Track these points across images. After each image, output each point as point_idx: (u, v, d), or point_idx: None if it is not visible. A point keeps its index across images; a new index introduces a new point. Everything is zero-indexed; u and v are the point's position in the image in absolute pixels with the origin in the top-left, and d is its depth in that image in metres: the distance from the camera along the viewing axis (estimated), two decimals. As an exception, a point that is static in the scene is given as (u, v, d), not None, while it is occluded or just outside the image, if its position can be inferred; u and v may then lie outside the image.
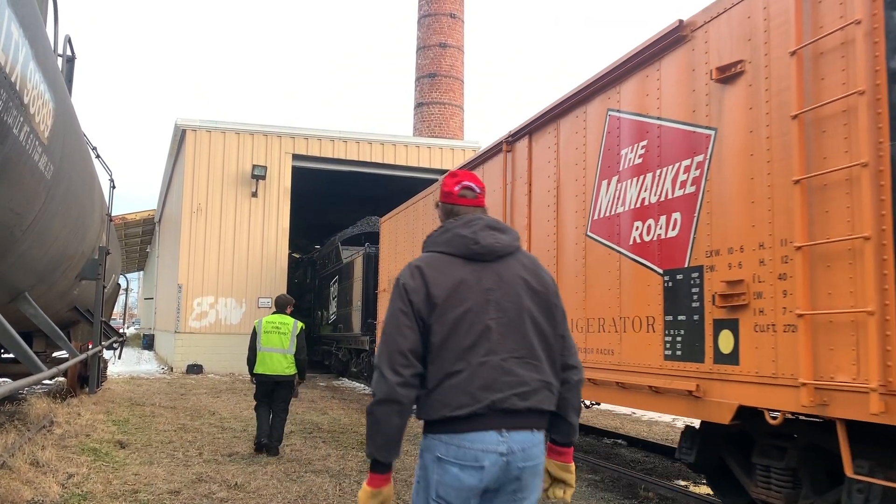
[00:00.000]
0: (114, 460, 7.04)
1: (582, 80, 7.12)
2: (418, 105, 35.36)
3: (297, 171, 21.58)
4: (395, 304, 2.37)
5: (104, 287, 11.21)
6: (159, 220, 32.76)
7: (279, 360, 7.58)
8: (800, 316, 4.24)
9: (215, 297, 20.15)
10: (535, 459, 2.34)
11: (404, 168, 22.77)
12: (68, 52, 8.60)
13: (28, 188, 5.37)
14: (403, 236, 13.35)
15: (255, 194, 20.65)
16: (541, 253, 7.73)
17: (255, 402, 7.90)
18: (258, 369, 7.62)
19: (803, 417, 4.64)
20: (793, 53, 4.41)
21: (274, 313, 7.91)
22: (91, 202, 9.12)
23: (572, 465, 2.54)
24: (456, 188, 2.58)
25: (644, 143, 6.03)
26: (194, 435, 8.72)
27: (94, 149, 10.18)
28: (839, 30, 4.14)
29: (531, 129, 8.11)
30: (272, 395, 7.71)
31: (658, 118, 5.85)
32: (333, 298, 20.95)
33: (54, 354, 12.42)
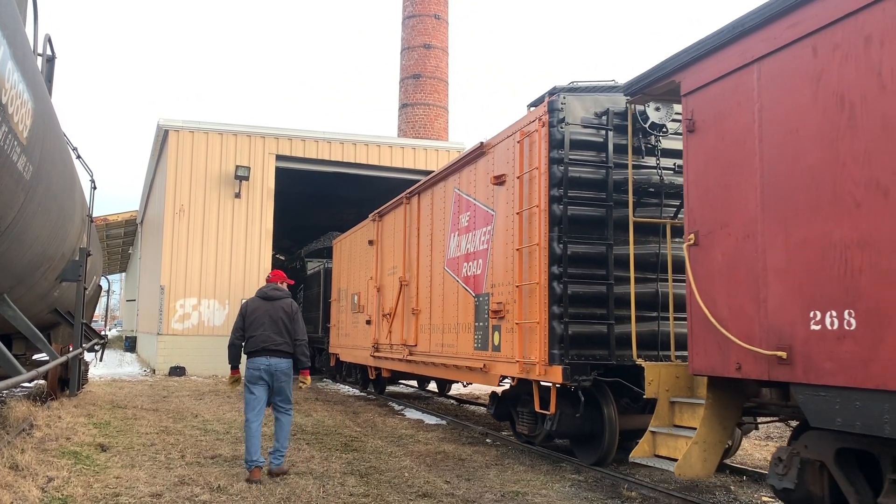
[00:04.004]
0: (95, 464, 6.93)
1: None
2: (403, 106, 35.26)
3: (280, 172, 21.40)
4: (239, 312, 6.41)
5: (85, 289, 11.06)
6: (141, 222, 32.41)
7: None
8: (517, 323, 7.74)
9: (198, 298, 20.05)
10: (282, 368, 6.27)
11: (389, 169, 22.70)
12: (48, 52, 8.51)
13: (6, 189, 5.31)
14: (346, 258, 16.83)
15: (238, 195, 20.46)
16: (424, 278, 11.20)
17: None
18: None
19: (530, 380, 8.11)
20: (518, 177, 7.92)
21: None
22: (71, 203, 8.99)
23: (308, 378, 6.62)
24: (269, 275, 6.62)
25: (469, 213, 9.51)
26: (176, 437, 8.67)
27: (75, 149, 10.06)
28: (533, 169, 7.64)
29: (419, 191, 11.59)
30: None
31: (475, 199, 9.33)
32: (300, 304, 24.31)
33: (34, 357, 12.13)
